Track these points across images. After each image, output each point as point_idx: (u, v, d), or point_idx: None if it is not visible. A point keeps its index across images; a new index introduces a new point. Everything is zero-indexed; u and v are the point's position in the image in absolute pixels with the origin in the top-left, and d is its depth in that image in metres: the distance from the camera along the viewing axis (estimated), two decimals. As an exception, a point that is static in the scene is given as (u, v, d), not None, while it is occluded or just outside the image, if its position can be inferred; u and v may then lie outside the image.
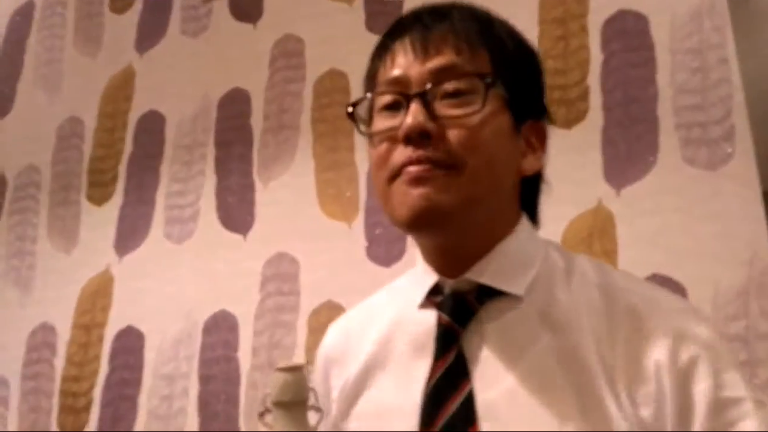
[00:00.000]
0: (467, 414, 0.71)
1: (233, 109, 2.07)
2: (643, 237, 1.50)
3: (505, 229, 0.80)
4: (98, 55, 2.32)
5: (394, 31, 0.81)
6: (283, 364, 0.66)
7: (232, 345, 1.88)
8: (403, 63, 0.77)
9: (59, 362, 2.08)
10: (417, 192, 0.73)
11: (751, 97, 1.55)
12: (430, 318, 0.79)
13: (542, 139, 0.83)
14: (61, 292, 2.14)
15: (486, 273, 0.77)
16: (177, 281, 1.99)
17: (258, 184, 1.99)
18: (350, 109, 0.82)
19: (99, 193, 2.20)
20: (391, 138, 0.76)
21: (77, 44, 2.37)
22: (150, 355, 1.96)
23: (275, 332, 1.85)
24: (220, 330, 1.90)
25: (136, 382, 1.95)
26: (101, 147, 2.25)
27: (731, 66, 1.55)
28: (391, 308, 0.87)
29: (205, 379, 1.88)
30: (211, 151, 2.08)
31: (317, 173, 1.93)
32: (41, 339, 2.13)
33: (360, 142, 1.90)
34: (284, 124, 2.00)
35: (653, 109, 1.57)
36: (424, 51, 0.76)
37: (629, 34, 1.64)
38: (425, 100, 0.74)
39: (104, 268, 2.11)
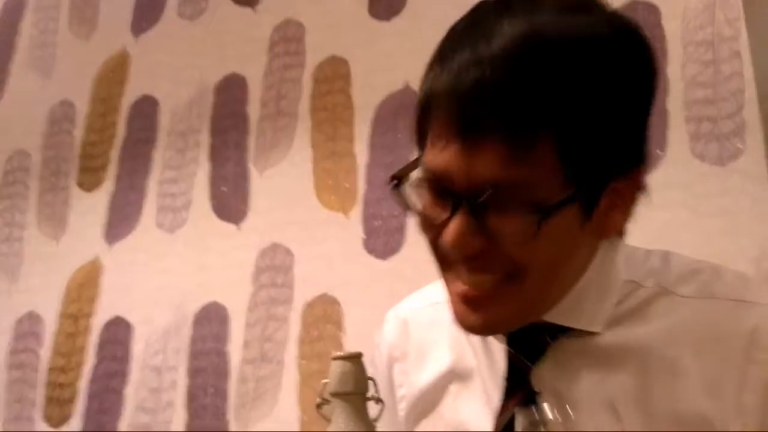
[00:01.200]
0: None
1: (230, 96, 2.02)
2: (649, 232, 1.45)
3: (579, 275, 0.70)
4: (92, 38, 2.27)
5: (436, 83, 0.63)
6: (339, 352, 0.63)
7: (222, 338, 1.83)
8: (445, 155, 0.62)
9: (45, 352, 2.03)
10: (473, 317, 0.66)
11: (763, 92, 1.51)
12: (499, 344, 0.74)
13: (632, 193, 0.67)
14: (49, 280, 2.08)
15: (559, 314, 0.69)
16: (168, 271, 1.94)
17: (253, 173, 1.93)
18: (395, 182, 0.68)
19: (90, 179, 2.14)
20: (436, 227, 0.65)
21: (72, 26, 2.31)
22: (138, 347, 1.91)
23: (268, 325, 1.80)
24: (211, 322, 1.85)
25: (124, 374, 1.90)
26: (93, 132, 2.19)
27: (744, 59, 1.50)
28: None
29: (194, 372, 1.83)
30: (205, 138, 2.02)
31: (315, 162, 1.88)
32: (27, 328, 2.07)
33: (360, 132, 1.86)
34: (282, 111, 1.95)
35: (663, 102, 1.52)
36: (469, 146, 0.60)
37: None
38: (473, 212, 0.61)
39: (93, 257, 2.05)
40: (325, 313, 1.75)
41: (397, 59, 1.82)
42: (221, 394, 1.78)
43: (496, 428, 0.69)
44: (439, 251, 0.67)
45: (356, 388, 0.63)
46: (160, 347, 1.88)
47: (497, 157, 0.59)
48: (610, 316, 0.69)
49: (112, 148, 2.13)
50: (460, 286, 0.66)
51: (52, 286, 2.07)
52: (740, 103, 1.48)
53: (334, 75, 1.91)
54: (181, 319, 1.88)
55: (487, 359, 0.74)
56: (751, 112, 1.47)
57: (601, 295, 0.70)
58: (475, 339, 0.76)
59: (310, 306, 1.78)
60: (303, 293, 1.79)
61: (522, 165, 0.59)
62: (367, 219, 1.79)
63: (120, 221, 2.05)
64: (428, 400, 0.78)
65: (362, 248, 1.76)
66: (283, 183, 1.89)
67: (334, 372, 0.63)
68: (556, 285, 0.68)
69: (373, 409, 0.65)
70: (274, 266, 1.84)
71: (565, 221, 0.62)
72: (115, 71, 2.20)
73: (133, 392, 1.88)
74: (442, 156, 0.62)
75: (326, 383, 0.63)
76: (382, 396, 0.75)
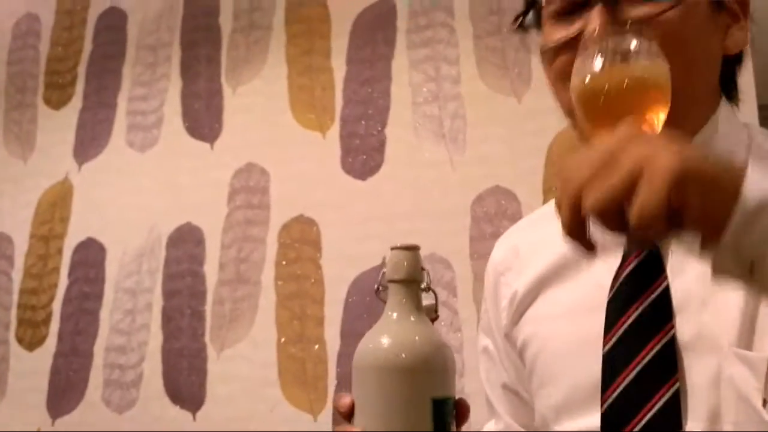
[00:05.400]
0: (662, 310, 0.64)
1: (200, 6, 1.93)
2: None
3: (705, 115, 0.71)
4: (55, -54, 2.14)
5: None
6: (399, 243, 0.67)
7: (197, 259, 1.79)
8: None
9: (17, 275, 1.98)
10: None
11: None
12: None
13: (744, 4, 0.71)
14: (18, 201, 2.02)
15: None
16: (140, 192, 1.89)
17: (226, 89, 1.86)
18: (518, 21, 0.73)
19: (57, 96, 2.06)
20: (572, 49, 0.64)
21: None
22: (111, 268, 1.87)
23: (243, 246, 1.76)
24: (186, 243, 1.81)
25: (98, 296, 1.86)
26: (59, 46, 2.09)
27: None
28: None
29: (169, 294, 1.80)
30: (176, 53, 1.94)
31: (290, 78, 1.80)
32: (-2, 250, 2.03)
33: (337, 45, 1.77)
34: (255, 23, 1.86)
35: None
36: None
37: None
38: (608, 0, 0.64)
39: (63, 177, 1.99)
40: (302, 234, 1.71)
41: (376, -32, 1.73)
42: (198, 315, 1.76)
43: (616, 287, 0.68)
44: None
45: (410, 276, 0.67)
46: (134, 269, 1.84)
47: None
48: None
49: (79, 63, 2.04)
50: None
51: (21, 207, 2.01)
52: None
53: (310, -15, 1.82)
54: (155, 240, 1.84)
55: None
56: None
57: (728, 147, 0.69)
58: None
59: (286, 227, 1.73)
60: (279, 214, 1.75)
61: None
62: (345, 137, 1.73)
63: (90, 140, 1.98)
64: (526, 297, 0.78)
65: (340, 168, 1.71)
66: (258, 100, 1.82)
67: (391, 260, 0.68)
68: (690, 92, 0.66)
69: (426, 299, 0.69)
70: (249, 186, 1.78)
71: (700, 9, 0.66)
72: (80, -19, 2.09)
73: (107, 314, 1.84)
74: None
75: (384, 272, 0.68)
76: (489, 317, 0.83)
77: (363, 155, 1.70)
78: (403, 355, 0.65)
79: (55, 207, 1.98)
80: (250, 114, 1.82)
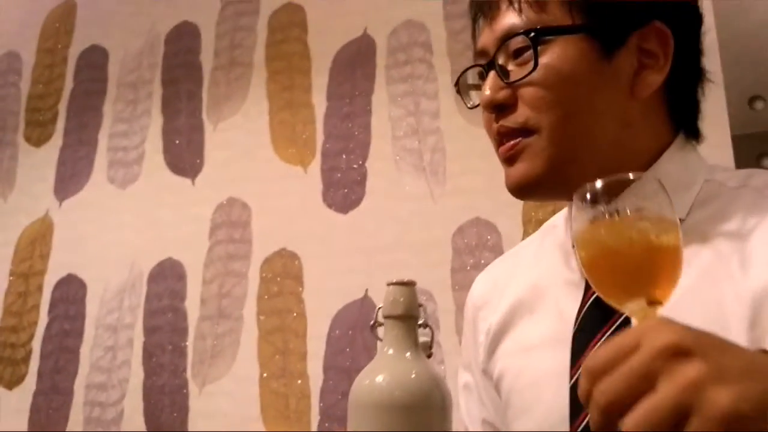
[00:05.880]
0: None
1: (181, 45, 1.95)
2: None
3: (650, 155, 0.72)
4: (36, -15, 2.16)
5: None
6: (395, 279, 0.68)
7: (179, 294, 1.79)
8: (481, 34, 0.76)
9: (-4, 312, 1.96)
10: (509, 172, 0.73)
11: (724, 38, 1.49)
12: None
13: (663, 43, 0.70)
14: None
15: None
16: (121, 227, 1.88)
17: (207, 125, 1.87)
18: (456, 85, 0.80)
19: (38, 134, 2.06)
20: (484, 109, 0.74)
21: (13, -27, 2.20)
22: (92, 305, 1.86)
23: (225, 281, 1.76)
24: (167, 279, 1.81)
25: (78, 333, 1.85)
26: (40, 84, 2.10)
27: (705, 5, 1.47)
28: (543, 247, 0.83)
29: (150, 330, 1.79)
30: (157, 90, 1.95)
31: (271, 114, 1.82)
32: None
33: (317, 81, 1.80)
34: (236, 60, 1.88)
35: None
36: (492, 17, 0.74)
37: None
38: (496, 68, 0.72)
39: (43, 214, 1.98)
40: (284, 268, 1.72)
41: (355, 4, 1.76)
42: (179, 351, 1.75)
43: (579, 320, 0.70)
44: (492, 138, 0.75)
45: (407, 312, 0.67)
46: (115, 305, 1.83)
47: (506, 20, 0.72)
48: (693, 204, 0.70)
49: (60, 101, 2.05)
50: (501, 153, 0.73)
51: (1, 245, 2.00)
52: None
53: (290, 22, 1.85)
54: (136, 276, 1.83)
55: (564, 279, 0.75)
56: (713, 57, 1.45)
57: (680, 183, 0.70)
58: (553, 267, 0.77)
59: (268, 261, 1.74)
60: (261, 248, 1.75)
61: (527, 19, 0.70)
62: (326, 172, 1.74)
63: (70, 176, 1.98)
64: (499, 332, 0.80)
65: (321, 202, 1.72)
66: (239, 135, 1.84)
67: (388, 297, 0.67)
68: (586, 143, 0.70)
69: (423, 335, 0.71)
70: (231, 221, 1.79)
71: (571, 64, 0.69)
72: (62, 20, 2.11)
73: (88, 351, 1.83)
74: (480, 34, 0.76)
75: (380, 308, 0.68)
76: (469, 353, 0.85)
77: (344, 189, 1.72)
78: (401, 393, 0.65)
79: (35, 244, 1.97)
80: (231, 149, 1.83)
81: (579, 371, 0.65)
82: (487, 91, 0.72)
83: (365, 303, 1.61)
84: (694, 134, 0.76)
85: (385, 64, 1.76)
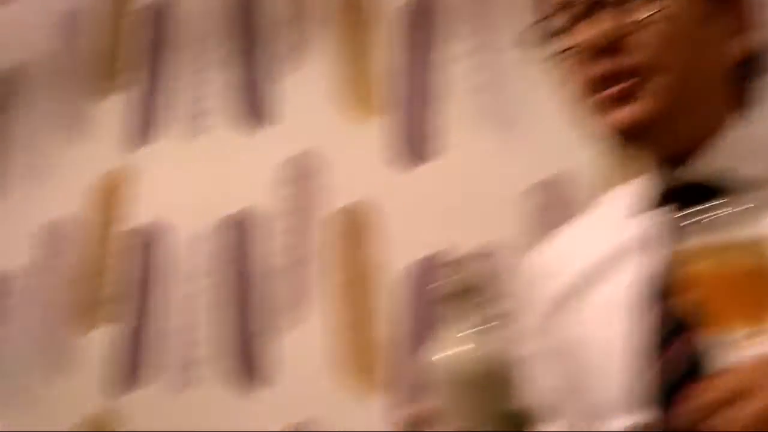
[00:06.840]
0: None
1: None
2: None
3: (710, 129, 0.72)
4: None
5: None
6: (456, 256, 0.68)
7: (252, 245, 1.81)
8: None
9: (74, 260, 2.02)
10: (622, 112, 0.70)
11: None
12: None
13: (745, 12, 0.73)
14: (72, 186, 2.05)
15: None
16: (195, 178, 1.90)
17: (278, 77, 1.87)
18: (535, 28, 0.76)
19: (109, 85, 2.09)
20: (583, 52, 0.71)
21: None
22: (169, 253, 1.89)
23: (296, 234, 1.78)
24: (238, 230, 1.83)
25: (156, 280, 1.90)
26: (110, 35, 2.12)
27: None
28: (609, 216, 0.83)
29: (226, 279, 1.82)
30: (227, 41, 1.94)
31: (343, 66, 1.81)
32: (49, 235, 2.06)
33: (390, 32, 1.77)
34: (307, 11, 1.86)
35: None
36: None
37: None
38: (610, 3, 0.70)
39: (114, 165, 2.01)
40: (354, 223, 1.72)
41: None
42: (253, 301, 1.78)
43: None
44: (589, 83, 0.71)
45: (478, 286, 0.69)
46: (192, 253, 1.87)
47: None
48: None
49: (131, 52, 2.07)
50: (606, 95, 0.70)
51: (75, 193, 2.04)
52: None
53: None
54: (211, 225, 1.86)
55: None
56: None
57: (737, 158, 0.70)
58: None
59: (339, 215, 1.74)
60: (333, 202, 1.75)
61: None
62: (399, 125, 1.73)
63: (145, 125, 2.01)
64: (560, 301, 0.80)
65: (393, 155, 1.71)
66: (311, 88, 1.82)
67: (460, 270, 0.70)
68: (691, 94, 0.70)
69: (484, 312, 0.71)
70: (303, 174, 1.79)
71: (691, 9, 0.69)
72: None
73: (167, 297, 1.88)
74: None
75: (445, 283, 0.70)
76: (530, 320, 0.84)
77: (417, 143, 1.70)
78: (474, 367, 0.66)
79: (107, 194, 2.01)
80: (302, 102, 1.83)
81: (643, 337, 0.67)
82: (598, 29, 0.69)
83: (436, 259, 1.60)
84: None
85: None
